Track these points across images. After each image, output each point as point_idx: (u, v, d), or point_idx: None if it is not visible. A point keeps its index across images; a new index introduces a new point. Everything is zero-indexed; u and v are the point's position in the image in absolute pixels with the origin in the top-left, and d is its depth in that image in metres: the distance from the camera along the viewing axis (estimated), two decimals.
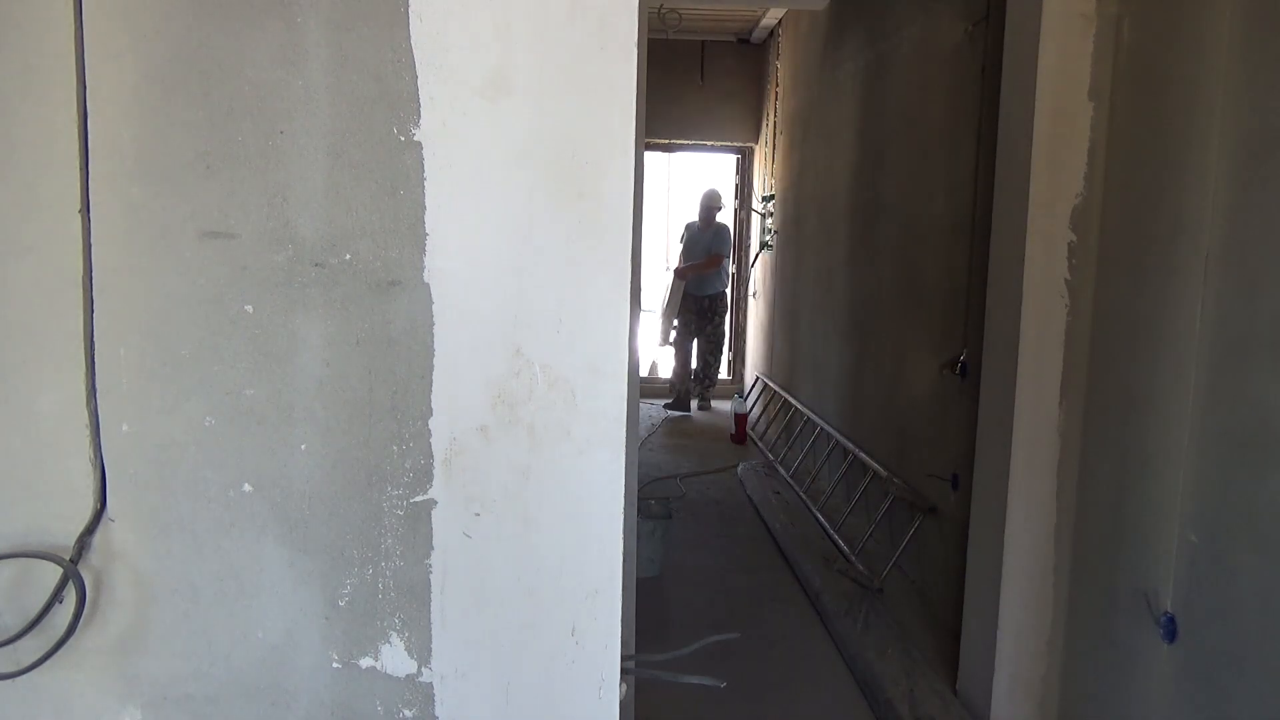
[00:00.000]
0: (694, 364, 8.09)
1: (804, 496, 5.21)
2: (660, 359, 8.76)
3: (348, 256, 1.14)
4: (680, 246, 8.16)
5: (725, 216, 8.17)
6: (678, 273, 7.74)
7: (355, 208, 1.13)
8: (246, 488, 1.17)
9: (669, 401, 8.01)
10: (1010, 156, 2.62)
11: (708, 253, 7.70)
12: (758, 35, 7.96)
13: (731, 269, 8.39)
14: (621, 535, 1.18)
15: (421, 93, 1.11)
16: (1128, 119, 2.33)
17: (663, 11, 6.12)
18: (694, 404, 8.07)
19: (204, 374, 1.15)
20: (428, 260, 1.14)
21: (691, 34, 7.74)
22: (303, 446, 1.16)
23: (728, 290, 8.16)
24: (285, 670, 1.20)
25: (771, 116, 7.56)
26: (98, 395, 1.15)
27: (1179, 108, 2.11)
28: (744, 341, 8.64)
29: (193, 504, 1.17)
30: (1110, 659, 2.32)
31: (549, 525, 1.17)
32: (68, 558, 1.14)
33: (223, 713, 1.20)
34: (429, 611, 1.19)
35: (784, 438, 6.29)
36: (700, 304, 7.85)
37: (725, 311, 8.08)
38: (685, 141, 8.46)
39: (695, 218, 7.90)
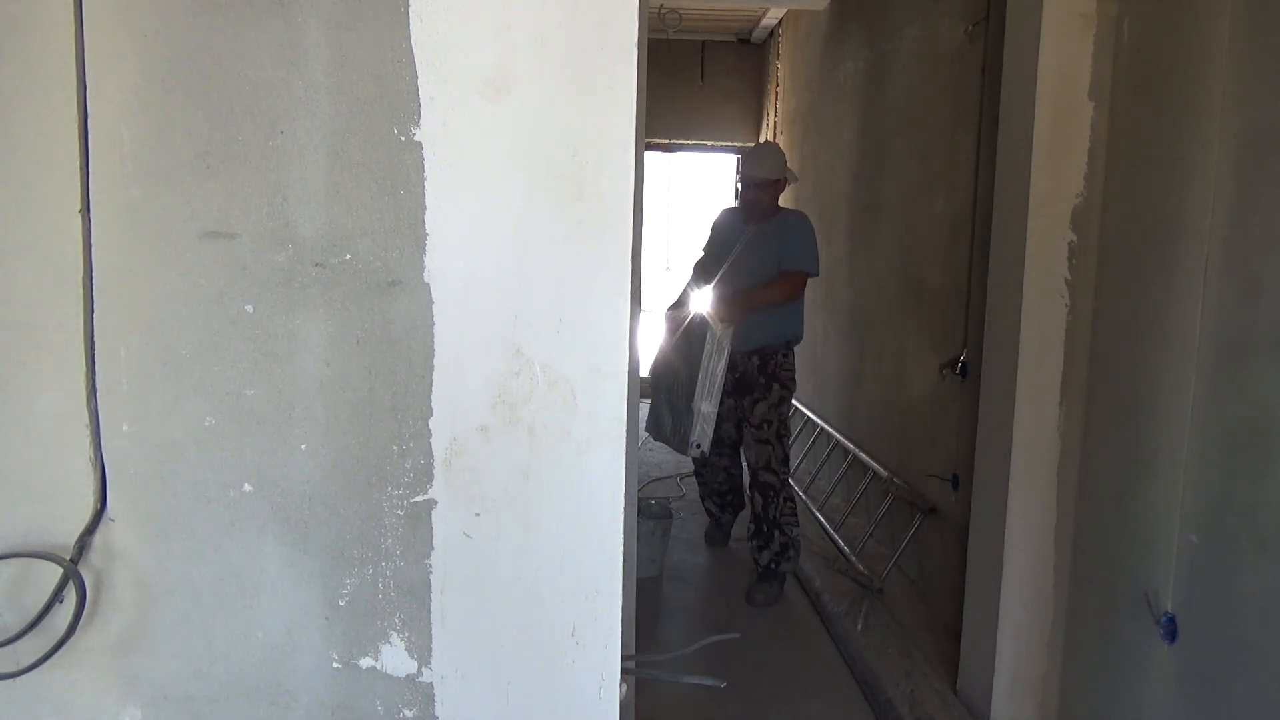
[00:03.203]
0: (745, 489, 4.14)
1: (804, 496, 5.21)
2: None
3: (348, 256, 1.14)
4: (699, 254, 4.14)
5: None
6: (728, 312, 3.64)
7: (355, 207, 1.13)
8: (246, 488, 1.17)
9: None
10: (1010, 156, 2.62)
11: (776, 267, 3.77)
12: (758, 35, 7.96)
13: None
14: (621, 535, 1.18)
15: (421, 93, 1.11)
16: (1128, 119, 2.33)
17: (663, 11, 6.12)
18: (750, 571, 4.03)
19: (204, 374, 1.15)
20: (428, 260, 1.14)
21: (691, 34, 7.74)
22: (303, 446, 1.16)
23: (794, 343, 3.96)
24: (285, 670, 1.20)
25: (771, 116, 7.56)
26: (98, 395, 1.15)
27: (1179, 108, 2.11)
28: None
29: (193, 504, 1.17)
30: (1110, 659, 2.32)
31: (549, 525, 1.17)
32: (68, 558, 1.14)
33: (223, 713, 1.20)
34: (429, 611, 1.19)
35: None
36: (745, 368, 3.84)
37: (792, 385, 3.94)
38: (685, 141, 8.45)
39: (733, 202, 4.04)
